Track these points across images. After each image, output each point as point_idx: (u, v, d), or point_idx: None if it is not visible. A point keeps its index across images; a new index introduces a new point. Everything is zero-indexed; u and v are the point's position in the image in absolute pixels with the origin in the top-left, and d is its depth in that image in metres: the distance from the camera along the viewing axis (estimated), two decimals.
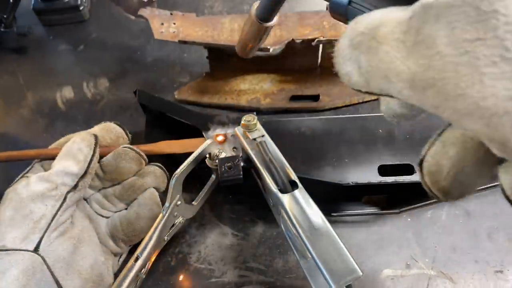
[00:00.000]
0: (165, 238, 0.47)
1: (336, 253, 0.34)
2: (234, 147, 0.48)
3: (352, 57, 0.24)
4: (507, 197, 0.24)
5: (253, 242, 0.51)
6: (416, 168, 0.25)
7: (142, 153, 0.48)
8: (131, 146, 0.48)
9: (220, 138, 0.48)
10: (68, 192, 0.41)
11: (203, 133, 0.50)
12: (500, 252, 0.48)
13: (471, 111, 0.19)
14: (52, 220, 0.39)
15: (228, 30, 0.59)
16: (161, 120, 0.55)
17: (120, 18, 0.76)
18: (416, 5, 0.21)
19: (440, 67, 0.20)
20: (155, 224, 0.44)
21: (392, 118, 0.29)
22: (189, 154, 0.46)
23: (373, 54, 0.23)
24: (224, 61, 0.64)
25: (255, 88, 0.64)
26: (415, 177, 0.47)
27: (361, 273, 0.32)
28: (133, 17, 0.64)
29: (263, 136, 0.45)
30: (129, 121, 0.63)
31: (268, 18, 0.41)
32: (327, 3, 0.30)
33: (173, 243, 0.50)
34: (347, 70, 0.25)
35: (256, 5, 0.42)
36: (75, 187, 0.41)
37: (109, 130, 0.48)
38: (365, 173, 0.47)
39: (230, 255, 0.50)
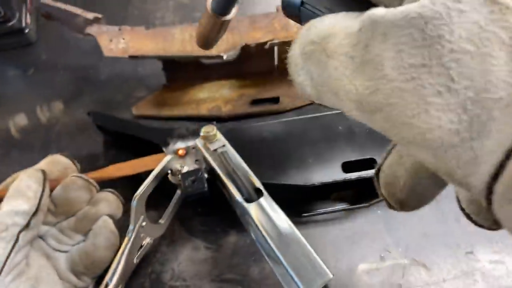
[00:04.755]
0: (135, 260, 0.45)
1: (306, 258, 0.33)
2: (197, 160, 0.47)
3: (305, 68, 0.23)
4: (462, 209, 0.23)
5: (227, 252, 0.50)
6: (374, 178, 0.25)
7: (91, 180, 0.46)
8: (78, 174, 0.46)
9: (181, 152, 0.47)
10: (20, 232, 0.39)
11: (163, 149, 0.49)
12: (468, 234, 0.49)
13: (417, 141, 0.18)
14: (4, 263, 0.37)
15: (180, 41, 0.58)
16: (119, 139, 0.54)
17: (69, 37, 0.73)
18: (365, 17, 0.20)
19: (386, 92, 0.19)
20: (121, 249, 0.43)
21: None
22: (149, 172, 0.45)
23: (323, 69, 0.22)
24: (180, 71, 0.63)
25: (215, 96, 0.63)
26: None
27: (331, 276, 0.32)
28: (81, 36, 0.62)
29: (224, 146, 0.44)
30: (88, 142, 0.61)
31: (225, 12, 0.38)
32: (278, 4, 0.29)
33: (145, 264, 0.49)
34: (301, 80, 0.24)
35: None
36: (27, 225, 0.39)
37: (55, 163, 0.46)
38: (330, 172, 0.47)
39: (205, 268, 0.49)
